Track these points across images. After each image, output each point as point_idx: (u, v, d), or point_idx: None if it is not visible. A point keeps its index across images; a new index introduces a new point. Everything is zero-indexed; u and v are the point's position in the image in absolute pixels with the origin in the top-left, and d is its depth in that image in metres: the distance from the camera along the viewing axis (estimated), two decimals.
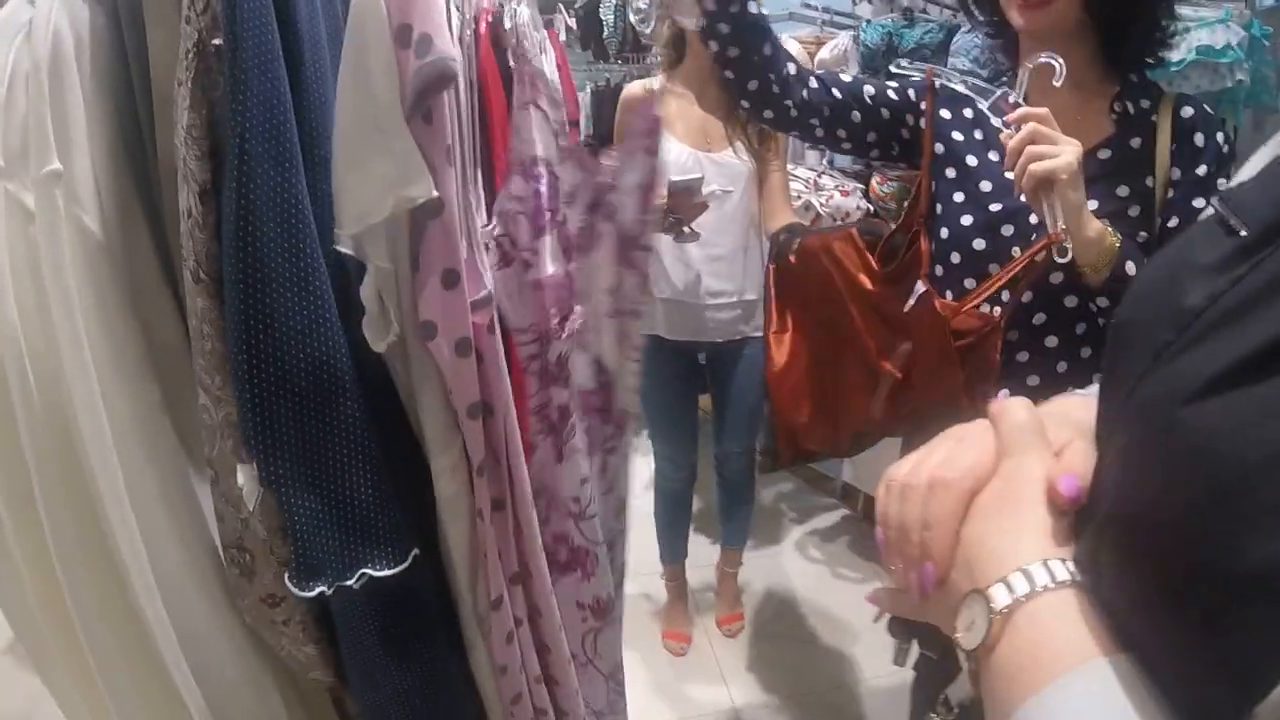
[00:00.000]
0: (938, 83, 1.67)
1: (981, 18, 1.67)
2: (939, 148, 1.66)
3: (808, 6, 3.20)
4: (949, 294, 1.62)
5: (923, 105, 1.69)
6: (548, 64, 1.80)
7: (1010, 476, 0.58)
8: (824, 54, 3.12)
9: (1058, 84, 1.42)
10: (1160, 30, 1.50)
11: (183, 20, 1.09)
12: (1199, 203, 1.42)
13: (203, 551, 1.34)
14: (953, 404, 1.57)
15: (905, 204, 2.85)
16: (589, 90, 5.54)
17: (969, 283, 1.60)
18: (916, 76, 1.71)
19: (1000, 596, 0.52)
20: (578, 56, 6.25)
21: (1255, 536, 0.36)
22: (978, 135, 1.63)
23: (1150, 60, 1.55)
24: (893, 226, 1.80)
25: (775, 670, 3.06)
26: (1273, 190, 0.49)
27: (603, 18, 5.10)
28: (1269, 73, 2.50)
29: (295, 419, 1.08)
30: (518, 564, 1.41)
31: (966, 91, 1.59)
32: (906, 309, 1.63)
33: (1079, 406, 0.64)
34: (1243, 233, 0.47)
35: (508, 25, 1.52)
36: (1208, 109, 1.49)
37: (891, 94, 1.72)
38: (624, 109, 2.66)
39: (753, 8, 1.57)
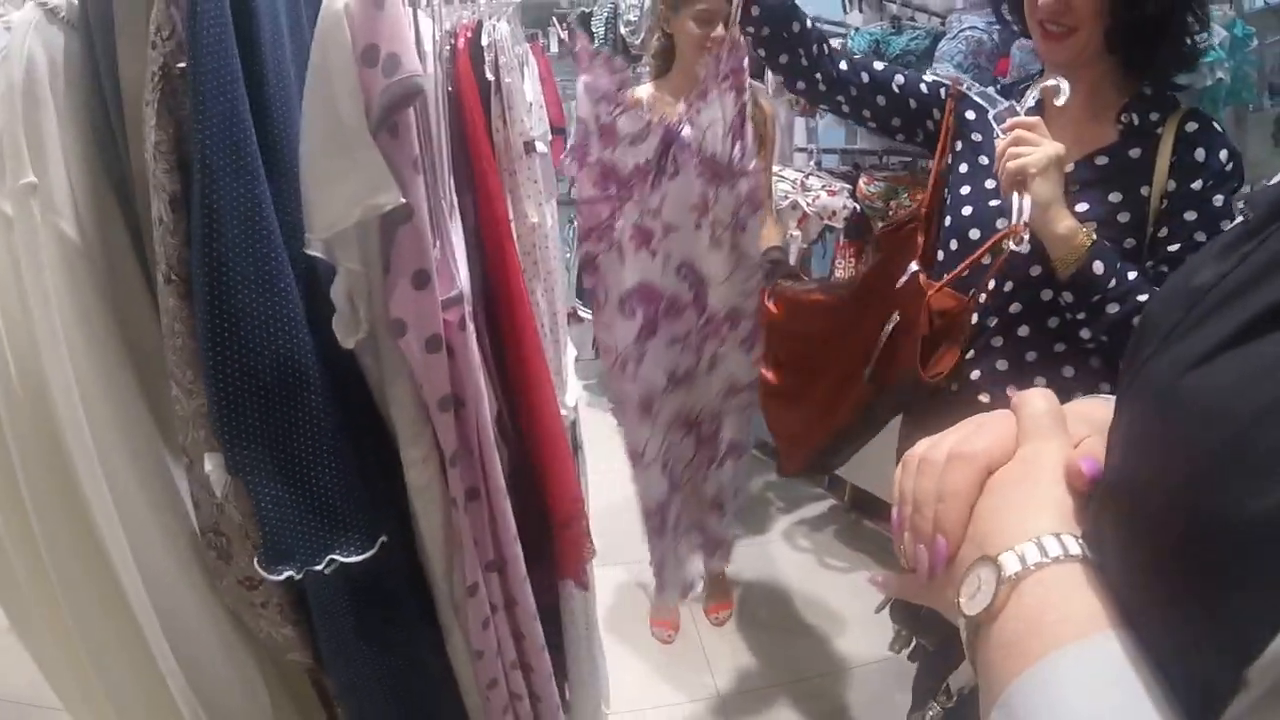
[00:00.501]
0: (963, 87, 1.76)
1: (1017, 29, 1.73)
2: (957, 144, 1.75)
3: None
4: (945, 276, 1.68)
5: (948, 104, 1.78)
6: (530, 76, 1.86)
7: (1029, 459, 0.58)
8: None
9: (1059, 103, 1.49)
10: (1187, 46, 1.53)
11: (149, 45, 1.16)
12: (1190, 215, 1.46)
13: (181, 536, 1.40)
14: (912, 375, 1.65)
15: (905, 197, 2.93)
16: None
17: (962, 268, 1.66)
18: (946, 79, 1.81)
19: (1010, 564, 0.51)
20: (569, 68, 6.33)
21: (1255, 487, 0.36)
22: (990, 137, 1.70)
23: (1175, 74, 1.60)
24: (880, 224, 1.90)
25: (762, 658, 3.10)
26: None
27: (594, 29, 5.18)
28: (1250, 71, 2.54)
29: (261, 410, 1.15)
30: (493, 552, 1.47)
31: (982, 101, 1.69)
32: (899, 285, 1.71)
33: (1099, 408, 0.64)
34: (1249, 215, 0.48)
35: (485, 41, 1.58)
36: (1217, 127, 1.52)
37: (923, 88, 1.81)
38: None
39: None
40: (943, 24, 2.94)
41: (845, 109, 1.83)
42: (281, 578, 1.21)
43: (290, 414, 1.17)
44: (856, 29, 3.24)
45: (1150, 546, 0.44)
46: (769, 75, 1.95)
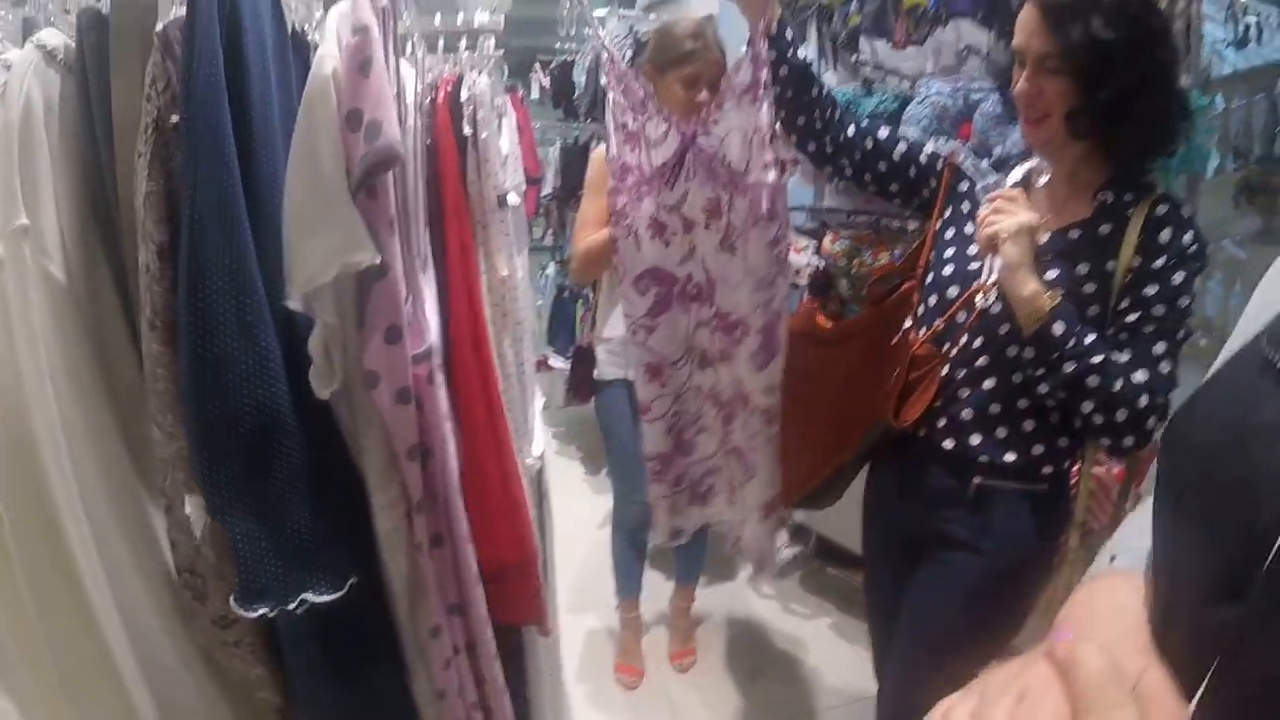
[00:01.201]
0: (958, 160, 1.87)
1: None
2: (948, 210, 1.86)
3: None
4: (923, 330, 1.80)
5: (944, 174, 1.88)
6: (507, 128, 1.94)
7: None
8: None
9: (1039, 184, 1.65)
10: (1161, 130, 1.62)
11: (144, 98, 1.23)
12: (1150, 290, 1.55)
13: (157, 574, 1.45)
14: (883, 423, 1.78)
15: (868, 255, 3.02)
16: (559, 146, 5.72)
17: (939, 323, 1.77)
18: (945, 151, 1.91)
19: None
20: (549, 113, 6.43)
21: None
22: (976, 205, 1.80)
23: (1152, 156, 1.69)
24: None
25: (727, 704, 3.13)
26: None
27: (575, 79, 5.26)
28: (1203, 141, 2.65)
29: (240, 455, 1.20)
30: (456, 596, 1.52)
31: (974, 174, 1.81)
32: (894, 341, 1.84)
33: (1129, 597, 0.59)
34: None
35: (464, 96, 1.65)
36: (1184, 212, 1.62)
37: (922, 158, 1.91)
38: (594, 167, 2.80)
39: (803, 52, 1.85)
40: (912, 88, 3.05)
41: (848, 172, 1.94)
42: (256, 614, 1.25)
43: (267, 459, 1.22)
44: (831, 88, 3.35)
45: None
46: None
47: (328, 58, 1.16)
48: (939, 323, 1.74)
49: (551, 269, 5.86)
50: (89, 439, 1.36)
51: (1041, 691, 0.53)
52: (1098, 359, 1.51)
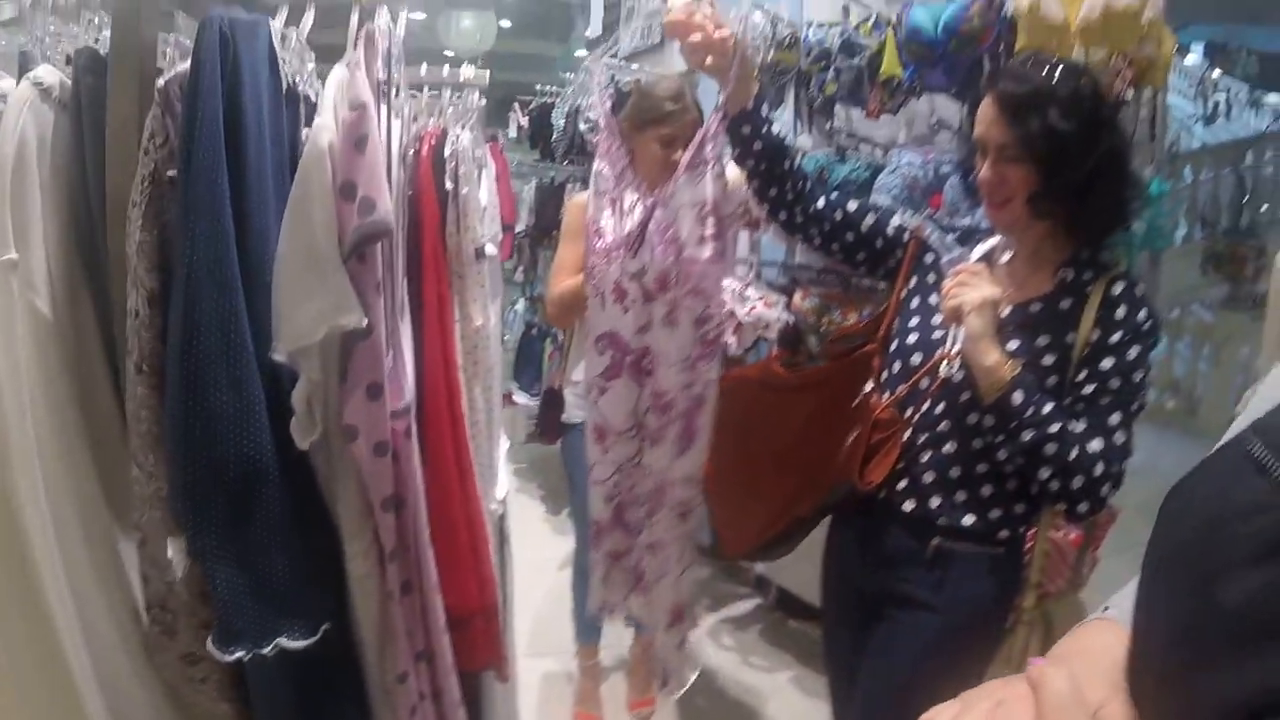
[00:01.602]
0: (925, 234, 1.93)
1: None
2: (912, 281, 1.93)
3: None
4: (887, 394, 1.85)
5: (909, 246, 1.95)
6: (486, 178, 2.00)
7: None
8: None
9: (1002, 261, 1.74)
10: (1118, 209, 1.74)
11: (141, 150, 1.28)
12: (1106, 364, 1.64)
13: (125, 607, 1.48)
14: (847, 483, 1.81)
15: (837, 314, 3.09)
16: (534, 185, 5.80)
17: (903, 388, 1.83)
18: (911, 225, 1.97)
19: None
20: (526, 153, 6.50)
21: None
22: (940, 277, 1.87)
23: (1110, 234, 1.80)
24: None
25: None
26: None
27: (554, 121, 5.32)
28: (1164, 222, 2.75)
29: (223, 502, 1.24)
30: (424, 643, 1.55)
31: (939, 247, 1.87)
32: (854, 404, 1.88)
33: (1110, 643, 0.65)
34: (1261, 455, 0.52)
35: (448, 151, 1.71)
36: (1139, 291, 1.71)
37: (889, 230, 1.97)
38: (571, 214, 2.85)
39: (776, 129, 1.89)
40: (884, 156, 3.14)
41: (817, 241, 1.99)
42: (232, 658, 1.28)
43: (250, 507, 1.26)
44: (805, 152, 3.43)
45: None
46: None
47: (324, 130, 1.22)
48: (903, 388, 1.80)
49: (521, 305, 5.92)
50: (65, 471, 1.39)
51: (1015, 704, 0.62)
52: (1055, 428, 1.57)
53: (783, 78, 3.25)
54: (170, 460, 1.24)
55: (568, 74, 5.36)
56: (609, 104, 2.49)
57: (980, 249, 1.76)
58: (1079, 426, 1.60)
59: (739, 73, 1.81)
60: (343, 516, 1.39)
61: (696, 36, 1.76)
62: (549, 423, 3.37)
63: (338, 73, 1.31)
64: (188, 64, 1.33)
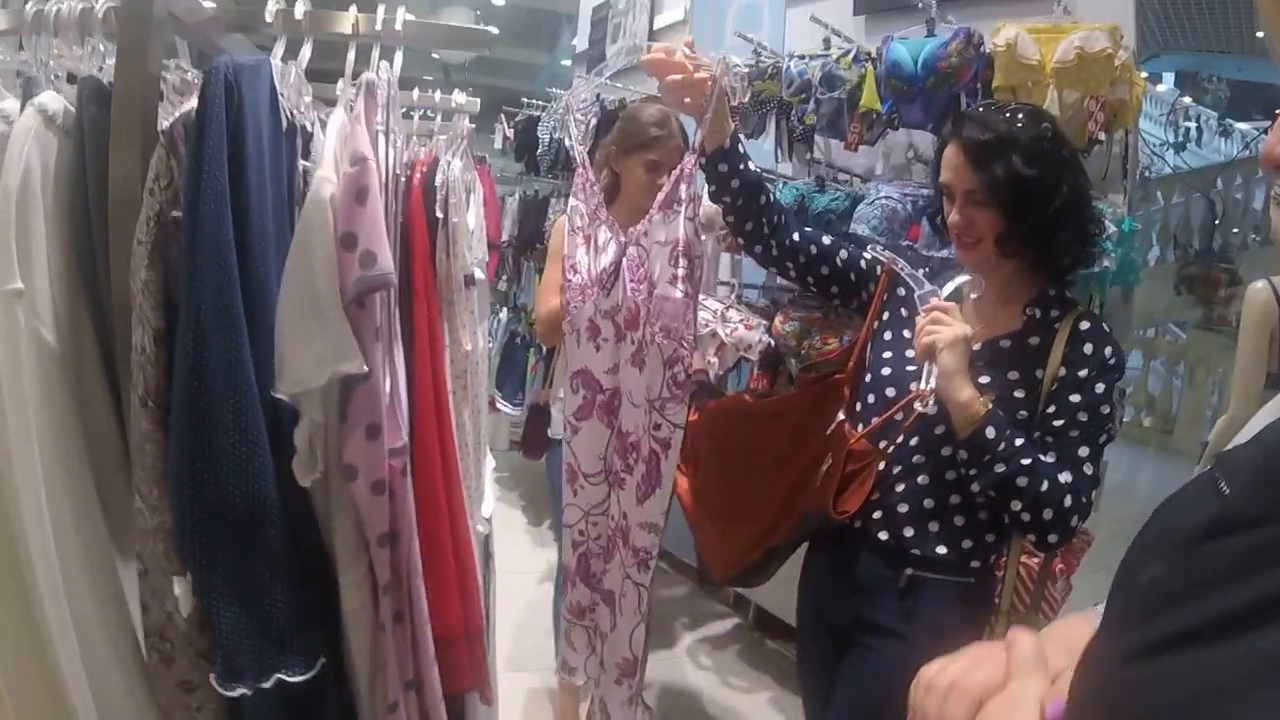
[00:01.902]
0: (897, 268, 1.97)
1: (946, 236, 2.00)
2: (885, 314, 2.00)
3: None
4: (860, 425, 1.91)
5: (881, 279, 2.02)
6: (475, 201, 2.04)
7: (1013, 694, 0.73)
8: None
9: (973, 298, 1.80)
10: (1082, 248, 1.82)
11: (145, 190, 1.32)
12: (1074, 398, 1.71)
13: (124, 634, 1.50)
14: (823, 512, 1.86)
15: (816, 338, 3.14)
16: (517, 197, 5.86)
17: (877, 421, 1.88)
18: (883, 259, 2.02)
19: None
20: (511, 165, 6.55)
21: None
22: (913, 312, 1.93)
23: (1074, 271, 1.89)
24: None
25: None
26: (1259, 458, 0.57)
27: (539, 135, 5.36)
28: (1136, 258, 2.82)
29: (228, 543, 1.28)
30: (413, 673, 1.59)
31: (911, 282, 1.90)
32: (828, 431, 1.95)
33: (1082, 629, 0.75)
34: (1226, 490, 0.56)
35: (439, 180, 1.75)
36: (1105, 327, 1.79)
37: (862, 264, 2.04)
38: (557, 235, 2.86)
39: (753, 166, 1.93)
40: (863, 185, 3.20)
41: (792, 274, 2.05)
42: (236, 694, 1.32)
43: (253, 545, 1.31)
44: (786, 180, 3.49)
45: None
46: (703, 207, 2.14)
47: (325, 183, 1.28)
48: (877, 421, 1.85)
49: (504, 314, 5.96)
50: (68, 498, 1.42)
51: (989, 657, 0.78)
52: (1026, 461, 1.64)
53: (764, 107, 3.31)
54: (175, 499, 1.28)
55: (553, 89, 5.41)
56: (586, 134, 2.51)
57: (950, 286, 1.82)
58: (1049, 459, 1.66)
59: (716, 112, 1.85)
60: (338, 551, 1.43)
61: (675, 76, 1.81)
62: (535, 438, 3.40)
63: (338, 119, 1.35)
64: (191, 103, 1.38)
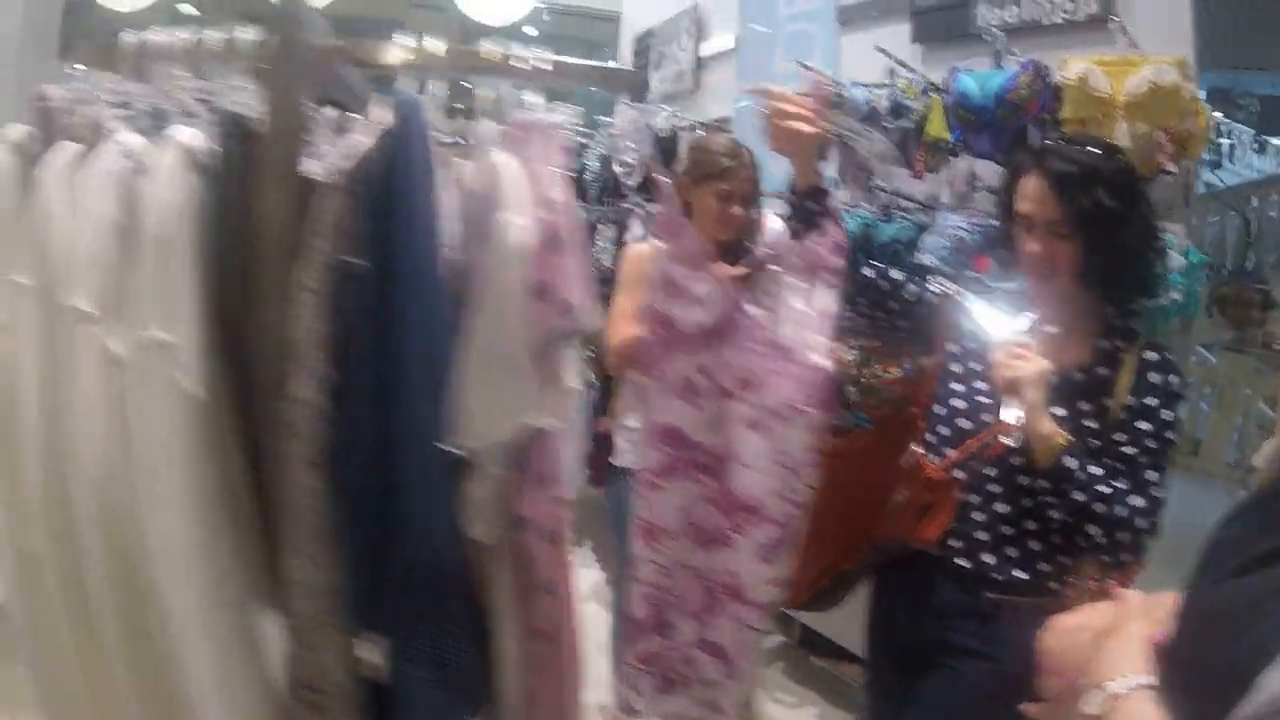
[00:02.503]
0: (965, 301, 1.98)
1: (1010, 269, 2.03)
2: (954, 348, 2.00)
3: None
4: (935, 457, 1.93)
5: (950, 312, 2.01)
6: None
7: (1127, 631, 0.90)
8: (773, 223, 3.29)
9: (1048, 331, 1.79)
10: (1149, 280, 1.88)
11: (313, 234, 1.26)
12: (1143, 426, 1.76)
13: (261, 679, 1.48)
14: (900, 540, 1.91)
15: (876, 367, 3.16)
16: None
17: (950, 452, 1.91)
18: (951, 293, 2.03)
19: (1112, 688, 0.83)
20: None
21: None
22: (984, 345, 1.95)
23: (1141, 302, 1.94)
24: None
25: None
26: None
27: (585, 162, 5.26)
28: (1199, 289, 2.86)
29: (416, 604, 1.27)
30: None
31: (983, 317, 1.91)
32: (903, 461, 1.96)
33: (1175, 596, 0.91)
34: None
35: None
36: (1169, 356, 1.84)
37: (931, 297, 2.04)
38: (630, 264, 2.84)
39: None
40: (927, 214, 3.21)
41: (863, 309, 2.07)
42: None
43: (438, 604, 1.30)
44: (850, 208, 3.45)
45: (1183, 684, 0.78)
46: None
47: (516, 228, 1.24)
48: (956, 454, 1.89)
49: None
50: (205, 551, 1.39)
51: (1105, 608, 0.99)
52: (1102, 488, 1.68)
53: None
54: (358, 561, 1.26)
55: (601, 116, 5.34)
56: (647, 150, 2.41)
57: (1022, 320, 1.84)
58: (1121, 485, 1.70)
59: (812, 156, 1.90)
60: (497, 600, 1.43)
61: (797, 126, 1.82)
62: (598, 467, 3.35)
63: (513, 164, 1.31)
64: (356, 141, 1.33)
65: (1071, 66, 2.77)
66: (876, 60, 3.41)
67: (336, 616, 1.34)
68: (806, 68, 3.47)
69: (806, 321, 1.85)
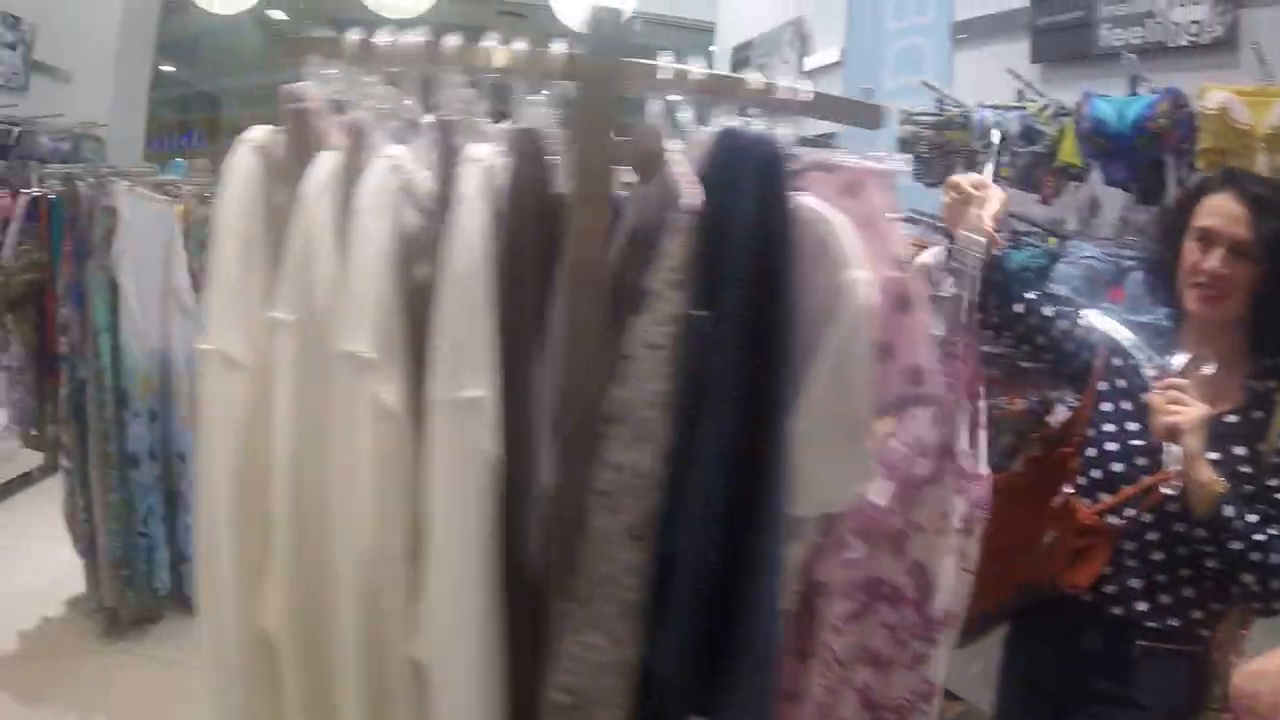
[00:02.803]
0: (1119, 337, 1.94)
1: (1160, 295, 2.03)
2: (1104, 386, 1.97)
3: (917, 212, 3.40)
4: (1087, 500, 1.90)
5: (1101, 350, 1.98)
6: None
7: None
8: (926, 257, 3.23)
9: (1206, 371, 1.76)
10: None
11: (662, 283, 1.13)
12: None
13: None
14: (1049, 584, 1.88)
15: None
16: None
17: (1103, 495, 1.88)
18: (1104, 328, 1.98)
19: None
20: None
21: None
22: (1136, 384, 1.90)
23: None
24: None
25: None
26: None
27: None
28: None
29: (757, 685, 1.17)
30: None
31: (1135, 353, 1.88)
32: (1054, 504, 1.92)
33: None
34: None
35: None
36: None
37: (1079, 333, 2.00)
38: None
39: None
40: (1060, 243, 3.13)
41: (1010, 342, 2.06)
42: None
43: (770, 680, 1.19)
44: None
45: None
46: None
47: (860, 285, 1.14)
48: (1112, 499, 1.85)
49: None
50: (485, 633, 1.25)
51: None
52: (1261, 537, 1.65)
53: (951, 157, 3.27)
54: (688, 639, 1.15)
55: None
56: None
57: (1176, 361, 1.81)
58: (1275, 532, 1.67)
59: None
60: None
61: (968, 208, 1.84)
62: None
63: (832, 213, 1.19)
64: (685, 182, 1.17)
65: (1211, 96, 2.71)
66: (991, 78, 3.36)
67: (628, 698, 1.21)
68: (931, 87, 3.41)
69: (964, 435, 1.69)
